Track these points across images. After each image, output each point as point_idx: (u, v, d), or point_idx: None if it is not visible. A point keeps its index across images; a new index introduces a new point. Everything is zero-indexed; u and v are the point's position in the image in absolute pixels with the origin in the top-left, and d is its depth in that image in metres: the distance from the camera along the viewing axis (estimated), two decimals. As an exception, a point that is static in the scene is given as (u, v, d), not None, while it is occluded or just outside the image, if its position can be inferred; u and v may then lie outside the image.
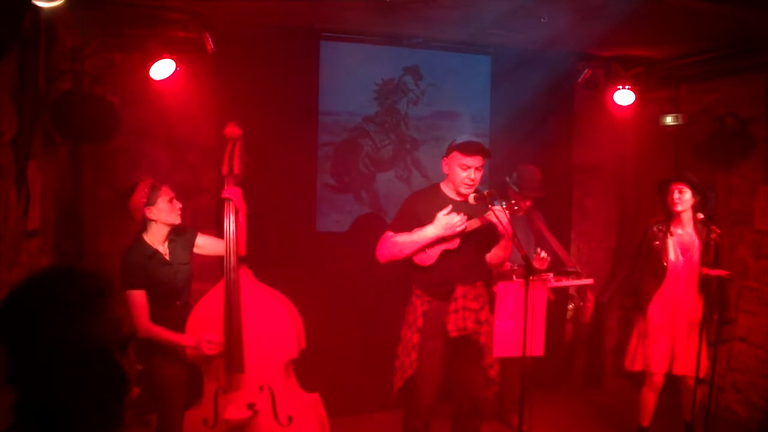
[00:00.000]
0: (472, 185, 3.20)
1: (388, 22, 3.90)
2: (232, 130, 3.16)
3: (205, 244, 3.23)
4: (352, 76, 4.51)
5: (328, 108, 4.55)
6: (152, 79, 3.64)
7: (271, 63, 4.23)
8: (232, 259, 3.04)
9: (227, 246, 3.05)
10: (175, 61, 3.63)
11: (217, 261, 3.40)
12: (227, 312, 3.00)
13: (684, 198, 3.71)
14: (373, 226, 4.36)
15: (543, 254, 3.95)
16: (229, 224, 3.07)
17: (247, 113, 3.92)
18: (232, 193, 3.09)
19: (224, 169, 3.13)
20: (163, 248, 3.08)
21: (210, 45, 3.75)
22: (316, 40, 4.36)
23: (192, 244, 3.19)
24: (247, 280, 3.10)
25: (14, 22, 2.59)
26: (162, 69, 3.62)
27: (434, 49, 4.61)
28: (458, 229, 3.14)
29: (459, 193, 3.24)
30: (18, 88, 2.81)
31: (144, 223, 3.05)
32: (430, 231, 3.16)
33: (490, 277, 3.49)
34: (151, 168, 4.13)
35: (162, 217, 3.03)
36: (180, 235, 3.14)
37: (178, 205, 3.09)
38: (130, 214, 3.02)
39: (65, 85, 3.43)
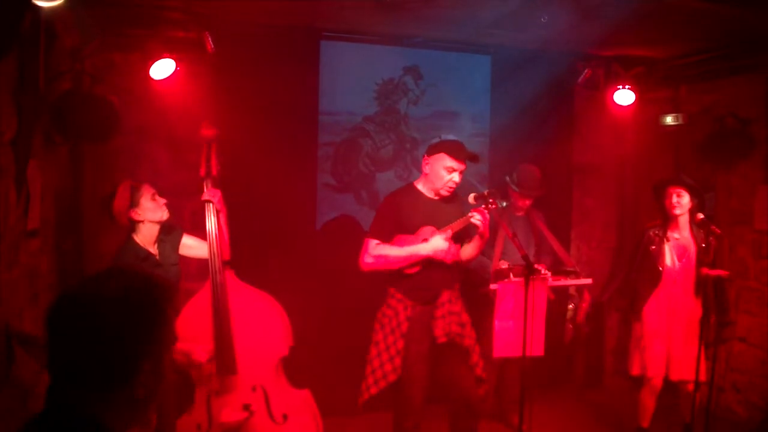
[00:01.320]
0: (454, 188, 3.19)
1: (388, 22, 3.90)
2: (207, 131, 3.09)
3: (190, 245, 3.17)
4: (352, 76, 4.51)
5: (328, 108, 4.55)
6: (152, 79, 3.63)
7: (271, 63, 4.23)
8: (217, 261, 3.01)
9: (210, 249, 3.02)
10: (175, 61, 3.63)
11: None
12: (215, 315, 2.98)
13: (682, 202, 3.70)
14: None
15: (543, 271, 3.90)
16: (211, 226, 3.03)
17: (247, 113, 3.92)
18: (212, 195, 3.05)
19: (202, 172, 3.08)
20: (154, 249, 3.02)
21: (210, 45, 3.75)
22: (316, 40, 4.36)
23: (179, 244, 3.14)
24: (232, 281, 3.08)
25: (14, 22, 2.59)
26: (162, 69, 3.62)
27: (434, 49, 4.61)
28: (449, 259, 3.15)
29: (437, 193, 3.22)
30: (18, 88, 2.81)
31: (132, 225, 2.97)
32: (424, 250, 3.13)
33: (466, 276, 3.46)
34: (151, 168, 4.13)
35: (149, 215, 2.96)
36: (168, 234, 3.09)
37: (162, 200, 3.01)
38: (114, 220, 2.94)
39: (65, 85, 3.43)
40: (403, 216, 3.20)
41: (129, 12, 3.52)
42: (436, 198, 3.23)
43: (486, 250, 3.75)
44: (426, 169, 3.22)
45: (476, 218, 3.06)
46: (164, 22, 3.62)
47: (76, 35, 3.48)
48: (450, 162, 3.12)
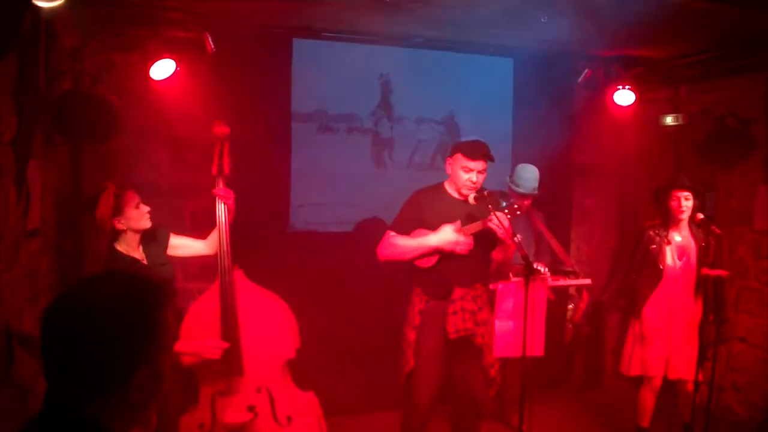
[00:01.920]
0: (474, 187, 3.19)
1: (388, 22, 3.89)
2: (221, 129, 3.09)
3: (179, 244, 3.14)
4: (351, 75, 4.51)
5: (327, 107, 4.55)
6: (152, 79, 3.63)
7: (271, 63, 4.23)
8: (226, 260, 3.00)
9: (221, 247, 3.01)
10: (175, 61, 3.63)
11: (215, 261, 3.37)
12: (224, 314, 2.97)
13: (689, 204, 3.70)
14: (373, 227, 4.37)
15: (543, 269, 3.90)
16: (222, 225, 3.02)
17: (247, 113, 3.92)
18: (227, 194, 3.05)
19: (214, 170, 3.07)
20: (139, 254, 2.98)
21: (210, 45, 3.75)
22: (316, 39, 4.36)
23: (166, 244, 3.10)
24: (241, 281, 3.08)
25: (14, 22, 2.59)
26: (162, 69, 3.62)
27: (434, 49, 4.61)
28: (459, 250, 3.15)
29: (461, 194, 3.24)
30: (18, 88, 2.81)
31: (114, 233, 2.91)
32: (433, 240, 3.16)
33: (488, 277, 3.48)
34: (151, 168, 4.13)
35: (131, 224, 2.90)
36: (153, 237, 3.04)
37: (146, 208, 2.94)
38: (96, 225, 2.89)
39: (65, 85, 3.43)
40: (425, 213, 3.23)
41: (129, 12, 3.52)
42: (461, 198, 3.25)
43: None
44: (448, 169, 3.27)
45: (493, 223, 3.05)
46: (164, 22, 3.61)
47: (76, 35, 3.48)
48: (466, 162, 3.14)
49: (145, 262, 2.98)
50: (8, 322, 2.64)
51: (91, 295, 1.11)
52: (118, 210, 2.85)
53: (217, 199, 3.04)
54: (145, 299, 1.13)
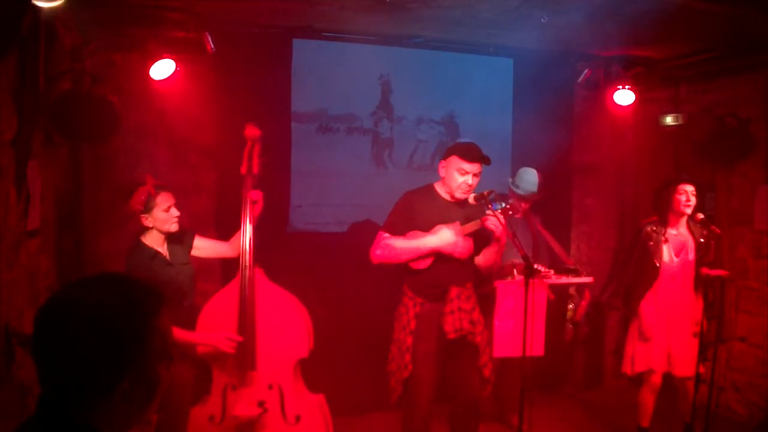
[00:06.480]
0: (468, 191, 3.19)
1: (388, 22, 3.89)
2: (252, 131, 3.18)
3: (202, 246, 3.24)
4: (351, 75, 4.51)
5: (327, 107, 4.55)
6: (152, 79, 3.63)
7: (271, 63, 4.23)
8: (248, 257, 3.06)
9: (243, 244, 3.07)
10: (175, 61, 3.63)
11: (219, 262, 3.39)
12: (242, 310, 3.03)
13: (694, 200, 3.71)
14: (373, 227, 4.37)
15: (542, 269, 3.91)
16: (247, 224, 3.09)
17: (246, 113, 3.92)
18: (256, 194, 3.12)
19: (243, 169, 3.15)
20: (163, 249, 3.08)
21: (210, 45, 3.75)
22: (316, 39, 4.36)
23: (190, 245, 3.20)
24: (260, 278, 3.13)
25: (14, 22, 2.59)
26: (162, 69, 3.62)
27: (434, 49, 4.61)
28: (458, 253, 3.14)
29: (453, 196, 3.23)
30: (18, 88, 2.81)
31: (142, 227, 3.02)
32: (432, 242, 3.14)
33: (478, 277, 3.47)
34: (151, 168, 4.13)
35: (157, 225, 3.01)
36: (179, 237, 3.14)
37: (176, 213, 3.03)
38: (127, 217, 3.01)
39: (65, 85, 3.42)
40: (417, 215, 3.21)
41: (129, 12, 3.52)
42: (453, 200, 3.24)
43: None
44: (441, 172, 3.25)
45: (490, 222, 3.05)
46: (164, 22, 3.61)
47: (76, 35, 3.48)
48: (462, 164, 3.12)
49: (168, 258, 3.07)
50: (8, 322, 2.64)
51: (77, 299, 1.08)
52: (148, 207, 2.96)
53: (244, 197, 3.11)
54: (134, 306, 1.09)
